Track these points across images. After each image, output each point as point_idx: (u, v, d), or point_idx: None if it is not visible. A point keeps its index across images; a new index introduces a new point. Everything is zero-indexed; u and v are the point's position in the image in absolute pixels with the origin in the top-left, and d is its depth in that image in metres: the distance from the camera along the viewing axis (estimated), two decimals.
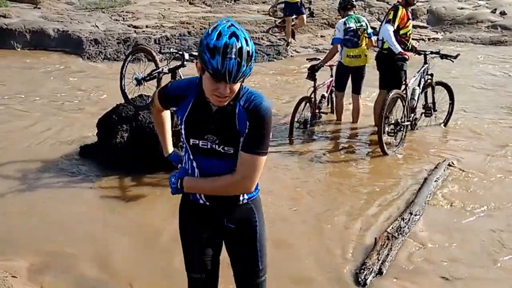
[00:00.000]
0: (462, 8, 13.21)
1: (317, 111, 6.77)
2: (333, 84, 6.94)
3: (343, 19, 6.55)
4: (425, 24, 13.07)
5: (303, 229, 4.34)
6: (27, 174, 5.23)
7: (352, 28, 6.44)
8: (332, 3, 13.83)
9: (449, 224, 4.41)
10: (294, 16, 11.61)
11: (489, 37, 11.72)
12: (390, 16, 6.08)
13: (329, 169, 5.70)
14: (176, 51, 5.43)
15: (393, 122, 6.00)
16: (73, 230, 4.22)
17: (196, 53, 5.70)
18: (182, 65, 5.27)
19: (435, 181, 5.10)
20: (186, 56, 5.27)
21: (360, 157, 5.99)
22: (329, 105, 7.33)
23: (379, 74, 6.49)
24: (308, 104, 6.60)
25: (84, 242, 4.01)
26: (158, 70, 5.36)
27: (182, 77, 5.27)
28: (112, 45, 10.88)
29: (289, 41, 11.67)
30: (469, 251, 4.00)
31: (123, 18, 12.67)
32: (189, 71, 5.92)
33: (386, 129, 5.91)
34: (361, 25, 6.53)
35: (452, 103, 6.81)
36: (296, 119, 6.42)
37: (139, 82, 5.49)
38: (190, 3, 14.85)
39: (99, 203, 4.83)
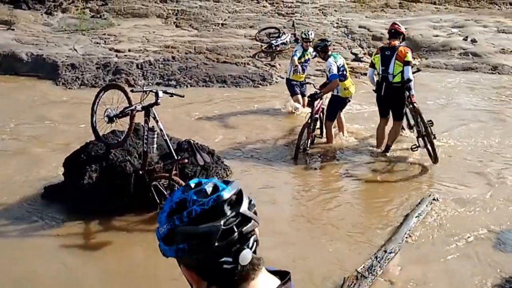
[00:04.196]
0: (437, 36, 13.58)
1: (313, 134, 7.26)
2: (322, 107, 7.50)
3: (331, 58, 7.21)
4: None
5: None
6: None
7: (342, 64, 7.27)
8: (317, 29, 13.73)
9: (425, 263, 4.44)
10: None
11: (461, 63, 12.04)
12: (409, 58, 6.73)
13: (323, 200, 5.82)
14: (150, 89, 5.24)
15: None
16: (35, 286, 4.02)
17: (171, 91, 5.53)
18: (156, 103, 5.13)
19: (416, 217, 5.14)
20: (160, 93, 5.13)
21: (350, 190, 6.16)
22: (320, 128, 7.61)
23: (383, 104, 6.95)
24: (307, 129, 7.05)
25: None
26: (131, 108, 5.25)
27: (156, 116, 5.09)
28: (91, 70, 10.50)
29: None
30: None
31: (105, 41, 12.30)
32: (163, 109, 5.81)
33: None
34: (344, 60, 7.46)
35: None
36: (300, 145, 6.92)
37: (111, 119, 5.40)
38: (176, 26, 14.66)
39: (63, 253, 4.60)
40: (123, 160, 5.35)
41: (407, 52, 6.71)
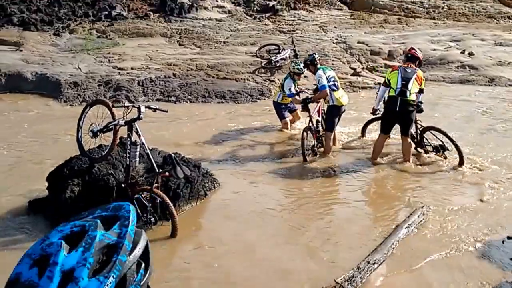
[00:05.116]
0: (434, 50, 13.68)
1: (318, 135, 7.61)
2: (323, 109, 7.87)
3: (320, 70, 7.57)
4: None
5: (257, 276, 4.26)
6: None
7: (332, 76, 7.60)
8: (316, 45, 13.93)
9: (408, 273, 4.40)
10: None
11: (458, 76, 12.09)
12: (424, 86, 7.27)
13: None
14: (132, 104, 5.38)
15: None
16: None
17: (154, 106, 5.68)
18: (139, 118, 5.20)
19: (406, 228, 5.10)
20: (142, 109, 5.21)
21: (344, 201, 6.19)
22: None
23: (393, 120, 7.11)
24: (309, 132, 7.41)
25: None
26: (114, 123, 5.29)
27: (139, 130, 5.20)
28: (93, 87, 10.79)
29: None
30: None
31: (109, 60, 12.60)
32: (145, 124, 5.96)
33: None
34: (334, 72, 7.81)
35: None
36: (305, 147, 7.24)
37: (95, 134, 5.46)
38: (179, 45, 14.96)
39: None
40: (106, 173, 5.39)
41: (423, 79, 7.20)
